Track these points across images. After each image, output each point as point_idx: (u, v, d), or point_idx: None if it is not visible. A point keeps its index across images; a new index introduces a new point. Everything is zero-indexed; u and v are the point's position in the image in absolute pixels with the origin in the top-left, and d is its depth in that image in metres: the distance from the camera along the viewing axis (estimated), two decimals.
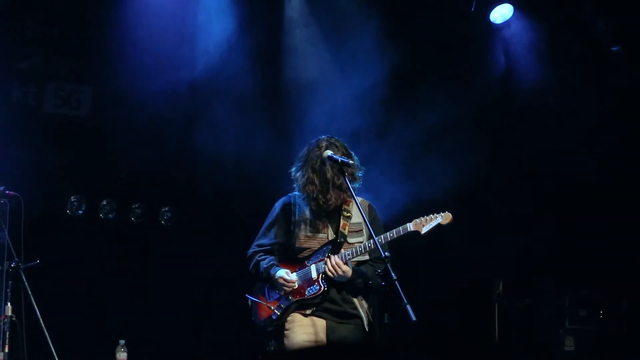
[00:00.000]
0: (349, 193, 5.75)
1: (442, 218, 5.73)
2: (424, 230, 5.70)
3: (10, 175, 7.04)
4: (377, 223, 5.88)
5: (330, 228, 5.87)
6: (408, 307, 5.06)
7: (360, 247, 5.77)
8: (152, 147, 8.50)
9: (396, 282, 5.16)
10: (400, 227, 5.73)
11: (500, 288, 8.39)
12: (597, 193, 8.54)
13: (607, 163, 8.47)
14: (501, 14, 8.53)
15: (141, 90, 8.22)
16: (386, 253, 5.32)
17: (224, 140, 8.77)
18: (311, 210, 5.88)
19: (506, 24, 8.57)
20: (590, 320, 8.27)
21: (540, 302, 8.43)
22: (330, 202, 5.80)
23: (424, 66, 8.71)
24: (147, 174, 8.72)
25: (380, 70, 8.42)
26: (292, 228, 5.92)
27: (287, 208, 5.96)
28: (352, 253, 5.77)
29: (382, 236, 5.66)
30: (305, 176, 5.82)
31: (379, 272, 5.34)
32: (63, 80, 8.57)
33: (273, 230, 5.98)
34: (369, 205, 5.94)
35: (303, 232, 5.88)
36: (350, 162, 5.71)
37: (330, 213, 5.88)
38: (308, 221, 5.88)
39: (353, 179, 5.75)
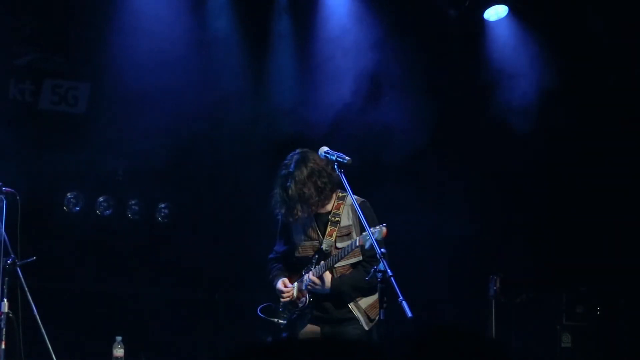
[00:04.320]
0: (321, 199, 5.73)
1: (378, 233, 5.44)
2: (367, 245, 5.47)
3: (7, 171, 7.03)
4: (371, 221, 5.81)
5: (320, 235, 5.87)
6: (404, 303, 5.05)
7: (344, 250, 5.72)
8: (149, 144, 8.48)
9: (392, 278, 5.15)
10: (352, 242, 5.67)
11: (498, 284, 8.37)
12: (597, 190, 8.53)
13: (606, 162, 8.46)
14: (496, 12, 8.46)
15: (138, 87, 8.21)
16: (382, 250, 5.27)
17: (223, 138, 8.78)
18: (301, 219, 5.85)
19: (500, 23, 8.50)
20: (587, 317, 8.26)
21: (538, 299, 8.42)
22: (297, 216, 5.77)
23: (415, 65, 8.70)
24: (144, 171, 8.71)
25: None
26: (291, 237, 5.97)
27: None
28: (338, 257, 5.73)
29: (343, 249, 5.66)
30: (276, 195, 5.83)
31: (375, 269, 5.30)
32: (60, 77, 8.56)
33: (281, 238, 6.05)
34: (363, 202, 5.87)
35: (299, 241, 5.92)
36: (346, 159, 5.66)
37: (321, 219, 5.86)
38: (301, 229, 5.91)
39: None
